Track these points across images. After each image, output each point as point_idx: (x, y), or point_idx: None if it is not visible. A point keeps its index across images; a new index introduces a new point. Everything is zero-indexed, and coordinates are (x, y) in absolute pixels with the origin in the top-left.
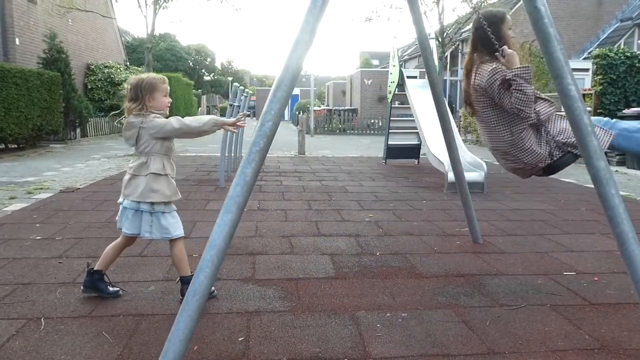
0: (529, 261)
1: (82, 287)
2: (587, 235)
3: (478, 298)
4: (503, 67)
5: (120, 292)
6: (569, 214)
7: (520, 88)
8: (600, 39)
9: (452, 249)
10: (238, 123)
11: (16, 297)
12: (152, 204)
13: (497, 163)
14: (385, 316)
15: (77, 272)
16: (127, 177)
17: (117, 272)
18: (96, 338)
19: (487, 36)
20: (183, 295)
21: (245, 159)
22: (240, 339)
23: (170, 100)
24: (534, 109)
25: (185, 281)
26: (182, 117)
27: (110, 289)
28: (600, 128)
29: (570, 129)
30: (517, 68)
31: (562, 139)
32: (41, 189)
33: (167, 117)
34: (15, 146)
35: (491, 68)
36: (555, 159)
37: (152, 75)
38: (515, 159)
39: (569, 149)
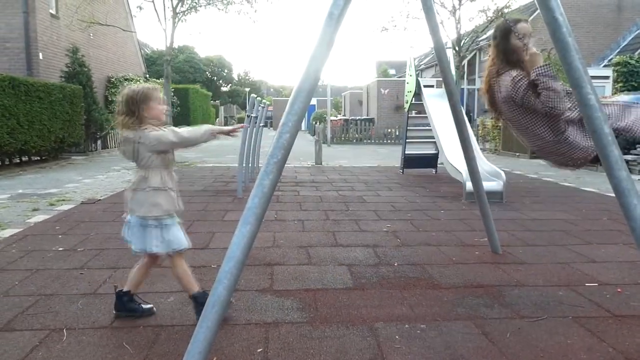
0: (550, 272)
1: (114, 311)
2: (609, 246)
3: (498, 309)
4: (521, 72)
5: (154, 310)
6: (591, 223)
7: (546, 86)
8: (621, 47)
9: (471, 259)
10: (234, 133)
11: (39, 308)
12: (157, 217)
13: (516, 172)
14: (404, 327)
15: (99, 283)
16: (129, 192)
17: None
18: (117, 349)
19: (503, 47)
20: (199, 315)
21: (263, 170)
22: (258, 350)
23: (167, 107)
24: (567, 104)
25: (196, 297)
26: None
27: (144, 306)
28: None
29: (615, 113)
30: (538, 67)
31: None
32: (63, 200)
33: (164, 127)
34: (38, 158)
35: (511, 77)
36: None
37: (144, 85)
38: (563, 156)
39: (617, 133)
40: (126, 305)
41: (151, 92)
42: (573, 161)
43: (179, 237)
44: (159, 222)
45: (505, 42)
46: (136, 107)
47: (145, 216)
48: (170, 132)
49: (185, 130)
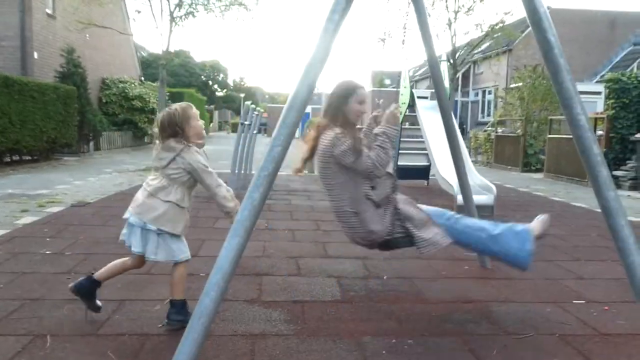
0: (538, 288)
1: (73, 285)
2: (597, 262)
3: (485, 326)
4: (344, 131)
5: (100, 308)
6: (580, 239)
7: (384, 146)
8: (613, 63)
9: (459, 273)
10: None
11: (24, 313)
12: (163, 231)
13: (508, 186)
14: (391, 342)
15: None
16: (142, 193)
17: (124, 289)
18: (101, 357)
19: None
20: (168, 318)
21: (254, 183)
22: None
23: (203, 122)
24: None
25: (174, 304)
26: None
27: (98, 302)
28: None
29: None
30: (390, 126)
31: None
32: (53, 202)
33: (204, 143)
34: (30, 158)
35: (334, 134)
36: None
37: (178, 105)
38: (353, 230)
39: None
40: (92, 292)
41: (189, 111)
42: (359, 238)
43: (182, 249)
44: (161, 232)
45: (343, 100)
46: (179, 128)
47: (152, 225)
48: (211, 178)
49: (223, 190)
